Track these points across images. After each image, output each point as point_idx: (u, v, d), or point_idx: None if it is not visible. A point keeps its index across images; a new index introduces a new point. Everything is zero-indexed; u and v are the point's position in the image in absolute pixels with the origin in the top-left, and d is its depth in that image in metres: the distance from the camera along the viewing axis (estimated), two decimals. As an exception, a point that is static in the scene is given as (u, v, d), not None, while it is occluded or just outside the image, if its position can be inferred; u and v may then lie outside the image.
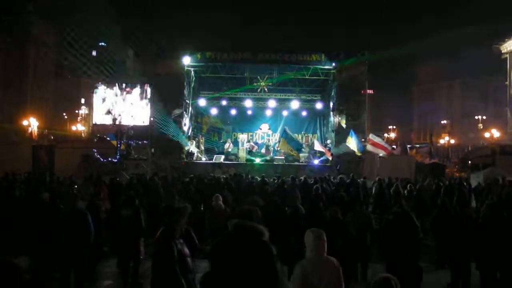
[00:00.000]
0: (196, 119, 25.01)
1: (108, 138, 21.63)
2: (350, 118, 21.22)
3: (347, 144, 18.86)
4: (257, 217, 4.19)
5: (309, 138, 24.53)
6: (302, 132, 24.01)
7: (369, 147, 18.75)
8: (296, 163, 21.33)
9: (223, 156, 22.08)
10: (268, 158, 22.12)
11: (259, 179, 13.58)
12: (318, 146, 21.13)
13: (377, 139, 19.21)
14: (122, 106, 20.83)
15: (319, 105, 24.34)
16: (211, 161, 21.78)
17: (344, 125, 21.09)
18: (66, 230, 6.15)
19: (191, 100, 22.65)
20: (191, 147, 22.16)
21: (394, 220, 6.30)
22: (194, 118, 24.16)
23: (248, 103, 24.48)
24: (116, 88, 21.04)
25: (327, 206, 7.64)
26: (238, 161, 21.99)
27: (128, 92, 20.88)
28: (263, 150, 23.46)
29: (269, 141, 24.67)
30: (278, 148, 22.42)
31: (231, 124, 25.89)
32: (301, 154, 22.05)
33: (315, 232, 4.02)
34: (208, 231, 7.98)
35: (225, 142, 24.01)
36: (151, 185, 11.93)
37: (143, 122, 20.87)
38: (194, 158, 21.94)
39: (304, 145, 22.64)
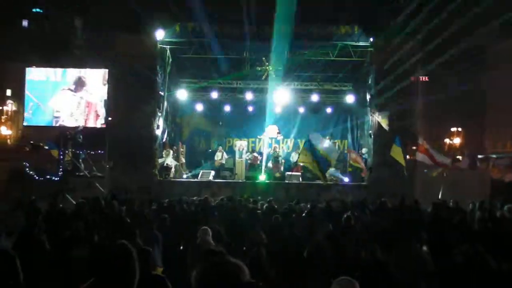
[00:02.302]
0: (174, 118, 25.10)
1: (47, 147, 21.50)
2: (395, 117, 21.18)
3: (391, 155, 18.76)
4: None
5: (336, 146, 24.53)
6: (327, 138, 24.00)
7: (418, 156, 18.64)
8: (318, 181, 21.27)
9: (212, 172, 22.10)
10: (277, 174, 22.10)
11: (264, 205, 13.53)
12: (355, 159, 20.89)
13: (432, 150, 19.03)
14: (66, 100, 20.68)
15: (350, 99, 24.33)
16: (196, 179, 21.82)
17: (386, 127, 21.03)
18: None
19: (166, 91, 22.66)
20: (167, 158, 22.18)
21: (463, 264, 6.22)
22: (171, 117, 24.25)
23: (248, 95, 24.54)
24: (57, 74, 20.96)
25: (362, 243, 7.58)
26: (234, 178, 22.07)
27: (75, 81, 20.79)
28: (270, 164, 23.48)
29: (278, 150, 24.67)
30: (298, 162, 22.27)
31: (224, 126, 25.97)
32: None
33: (344, 282, 4.01)
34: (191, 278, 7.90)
35: (215, 152, 24.07)
36: (110, 214, 11.86)
37: (97, 123, 20.78)
38: (172, 175, 21.98)
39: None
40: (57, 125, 20.54)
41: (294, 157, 23.72)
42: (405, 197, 14.74)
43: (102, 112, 20.53)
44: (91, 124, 20.36)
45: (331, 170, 22.13)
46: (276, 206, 13.23)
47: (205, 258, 4.60)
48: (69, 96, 20.62)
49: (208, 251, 5.14)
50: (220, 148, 24.40)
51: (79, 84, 20.62)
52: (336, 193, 19.22)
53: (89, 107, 20.64)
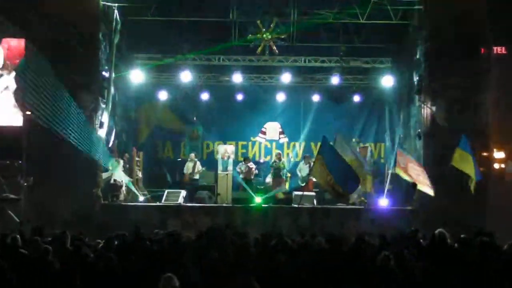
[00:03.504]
0: (126, 113, 25.20)
1: None
2: (457, 108, 21.10)
3: (454, 164, 18.64)
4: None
5: (367, 151, 24.33)
6: (353, 140, 23.91)
7: None
8: (341, 205, 21.18)
9: (183, 192, 21.89)
10: (281, 194, 21.97)
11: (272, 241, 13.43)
12: (406, 169, 20.65)
13: None
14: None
15: (388, 81, 24.23)
16: (158, 203, 21.77)
17: (443, 123, 20.94)
18: None
19: (114, 71, 22.52)
20: (116, 172, 21.97)
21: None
22: (121, 110, 24.35)
23: (236, 78, 24.43)
24: None
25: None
26: (216, 201, 22.06)
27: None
28: (268, 179, 23.62)
29: (282, 158, 24.49)
30: (310, 177, 21.99)
31: (201, 123, 25.86)
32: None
33: None
34: None
35: (184, 161, 24.09)
36: (30, 257, 11.77)
37: (10, 121, 20.57)
38: (123, 197, 21.91)
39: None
40: None
41: (303, 170, 23.50)
42: (480, 230, 14.62)
43: (3, 102, 20.24)
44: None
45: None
46: (289, 242, 13.14)
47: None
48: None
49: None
50: (192, 155, 24.20)
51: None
52: (367, 223, 19.09)
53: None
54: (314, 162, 19.74)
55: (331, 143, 19.73)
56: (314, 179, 21.70)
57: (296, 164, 24.64)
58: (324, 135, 19.16)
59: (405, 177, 20.16)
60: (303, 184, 22.41)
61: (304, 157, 23.91)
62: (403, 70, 23.89)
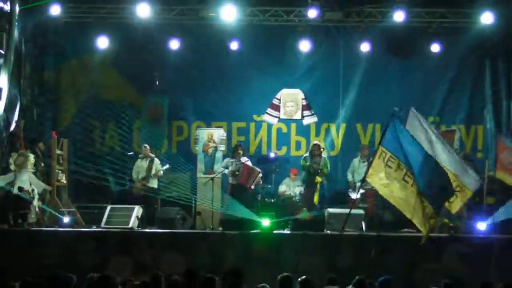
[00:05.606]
0: (41, 73, 25.22)
1: None
2: None
3: None
4: None
5: (454, 138, 23.91)
6: (431, 118, 23.56)
7: None
8: (409, 231, 20.75)
9: (138, 209, 21.54)
10: (304, 214, 21.68)
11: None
12: None
13: None
14: None
15: (488, 19, 23.77)
16: (95, 228, 21.53)
17: None
18: None
19: (18, 2, 22.18)
20: (21, 175, 21.66)
21: None
22: (29, 69, 24.39)
23: (227, 12, 24.03)
24: None
25: None
26: (194, 225, 21.97)
27: None
28: (285, 188, 23.38)
29: (320, 153, 23.99)
30: (366, 184, 21.48)
31: (169, 89, 25.74)
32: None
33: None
34: None
35: (137, 158, 23.87)
36: None
37: None
38: (34, 218, 21.62)
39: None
40: None
41: (358, 170, 23.33)
42: None
43: None
44: None
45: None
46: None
47: None
48: None
49: None
50: (146, 148, 23.62)
51: None
52: (457, 261, 18.67)
53: None
54: (373, 158, 19.20)
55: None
56: (372, 188, 21.18)
57: (333, 162, 24.32)
58: (395, 109, 18.51)
59: None
60: (357, 196, 21.77)
61: (361, 149, 23.53)
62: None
